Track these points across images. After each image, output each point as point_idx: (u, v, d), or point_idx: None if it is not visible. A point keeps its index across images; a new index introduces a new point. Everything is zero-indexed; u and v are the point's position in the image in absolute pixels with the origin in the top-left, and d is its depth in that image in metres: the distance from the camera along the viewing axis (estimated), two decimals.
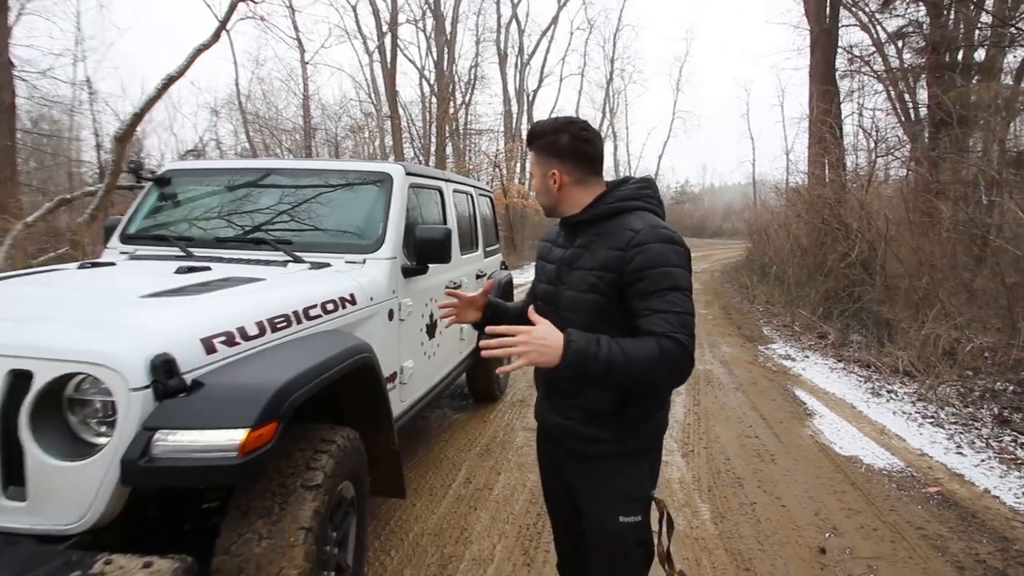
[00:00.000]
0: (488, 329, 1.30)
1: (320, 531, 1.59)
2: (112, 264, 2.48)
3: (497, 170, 19.01)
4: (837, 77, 11.72)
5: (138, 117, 6.83)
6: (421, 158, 19.97)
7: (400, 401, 2.75)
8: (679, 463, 3.53)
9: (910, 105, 11.22)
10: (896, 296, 6.55)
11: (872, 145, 11.02)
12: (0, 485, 1.44)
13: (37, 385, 1.42)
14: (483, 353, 1.32)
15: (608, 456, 1.44)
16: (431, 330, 3.15)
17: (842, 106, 11.86)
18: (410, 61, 22.45)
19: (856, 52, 12.34)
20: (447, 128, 19.11)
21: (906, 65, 11.43)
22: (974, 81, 9.26)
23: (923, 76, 10.65)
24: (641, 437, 1.45)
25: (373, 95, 22.08)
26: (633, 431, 1.43)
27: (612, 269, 1.36)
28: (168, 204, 3.05)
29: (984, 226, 6.74)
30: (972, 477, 3.37)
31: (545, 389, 1.56)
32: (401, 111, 19.88)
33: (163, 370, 1.44)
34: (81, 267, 2.42)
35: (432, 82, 20.18)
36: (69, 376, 1.44)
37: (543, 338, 1.25)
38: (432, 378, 3.22)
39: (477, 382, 4.45)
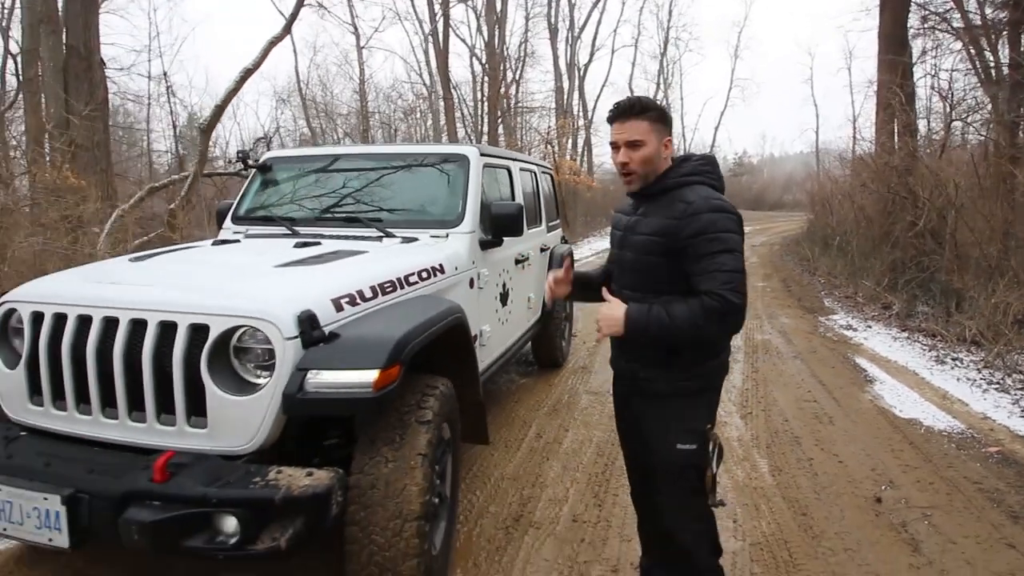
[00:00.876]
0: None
1: (433, 458, 1.91)
2: (238, 241, 2.88)
3: (549, 147, 19.05)
4: (909, 37, 11.14)
5: (220, 109, 7.38)
6: (473, 138, 20.26)
7: (480, 362, 3.06)
8: (738, 423, 3.71)
9: (992, 64, 10.56)
10: (966, 265, 6.38)
11: (947, 109, 10.49)
12: (185, 415, 1.82)
13: (212, 336, 1.78)
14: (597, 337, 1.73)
15: (665, 393, 1.69)
16: (504, 298, 3.44)
17: (914, 68, 11.28)
18: (461, 40, 22.61)
19: (931, 8, 11.66)
20: (499, 107, 19.26)
21: (988, 20, 10.74)
22: None
23: (1005, 32, 10.00)
24: (694, 378, 1.68)
25: (426, 76, 22.43)
26: (685, 373, 1.66)
27: (667, 235, 1.59)
28: (270, 188, 3.44)
29: None
30: None
31: (616, 341, 1.80)
32: (453, 91, 20.16)
33: (308, 323, 1.78)
34: (215, 244, 2.82)
35: (483, 61, 20.29)
36: (235, 329, 1.80)
37: (609, 316, 1.60)
38: (505, 342, 3.52)
39: (541, 349, 4.73)
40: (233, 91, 7.44)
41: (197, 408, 1.80)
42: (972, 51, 10.69)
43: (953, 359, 4.95)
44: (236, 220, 3.28)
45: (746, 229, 1.68)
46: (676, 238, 1.57)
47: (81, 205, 6.54)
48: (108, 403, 1.85)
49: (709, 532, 1.79)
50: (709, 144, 34.99)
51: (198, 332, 1.79)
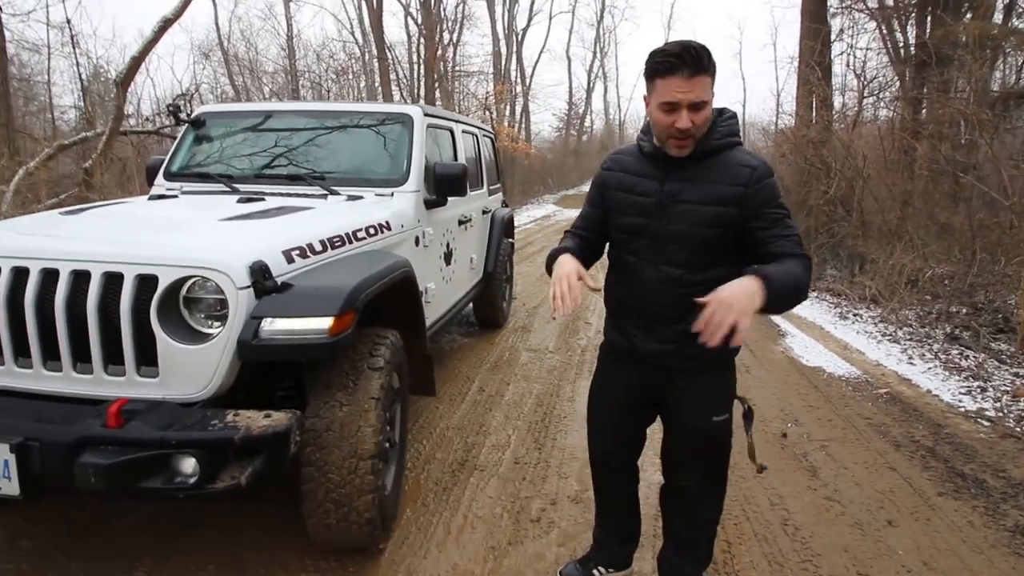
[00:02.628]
0: (696, 328, 1.28)
1: (385, 402, 2.02)
2: (175, 196, 2.80)
3: (487, 113, 18.89)
4: (829, 15, 11.76)
5: (137, 61, 6.89)
6: (409, 100, 19.76)
7: (426, 318, 3.16)
8: None
9: (901, 44, 11.35)
10: (870, 231, 7.00)
11: (861, 85, 11.23)
12: (135, 365, 1.83)
13: (162, 286, 1.78)
14: (712, 342, 1.26)
15: (705, 369, 1.58)
16: (448, 258, 3.53)
17: (833, 45, 11.95)
18: None
19: None
20: (435, 70, 18.83)
21: (899, 1, 11.49)
22: (965, 19, 9.41)
23: (913, 14, 10.75)
24: (730, 348, 1.42)
25: (358, 35, 21.53)
26: (724, 344, 1.43)
27: (733, 204, 1.45)
28: (204, 144, 3.34)
29: (957, 164, 7.12)
30: (918, 381, 3.90)
31: (643, 323, 1.61)
32: (388, 52, 19.50)
33: (261, 273, 1.81)
34: (150, 199, 2.74)
35: (419, 22, 19.69)
36: (184, 279, 1.81)
37: (738, 293, 1.27)
38: (449, 300, 3.63)
39: (483, 310, 4.87)
40: (151, 42, 6.96)
41: (147, 358, 1.81)
42: (884, 31, 11.44)
43: (854, 315, 5.49)
44: (169, 177, 3.17)
45: None
46: (746, 206, 1.44)
47: None
48: (51, 356, 1.83)
49: (723, 496, 1.79)
50: (643, 115, 35.61)
51: (146, 283, 1.79)
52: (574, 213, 14.42)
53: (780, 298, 1.34)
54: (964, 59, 7.24)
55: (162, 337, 1.77)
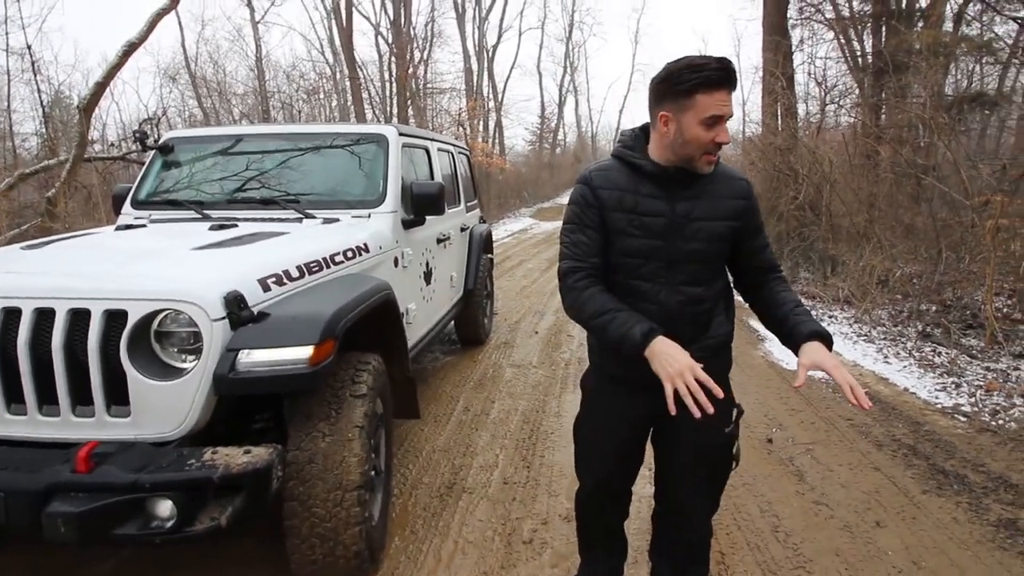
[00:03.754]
0: (852, 400, 1.35)
1: (369, 429, 1.97)
2: (144, 226, 2.73)
3: (461, 129, 18.96)
4: (789, 26, 12.12)
5: (102, 86, 6.73)
6: (381, 119, 19.72)
7: (407, 339, 3.11)
8: None
9: (858, 53, 11.75)
10: (839, 234, 7.16)
11: (822, 93, 11.57)
12: (104, 405, 1.75)
13: (131, 321, 1.72)
14: (865, 406, 1.35)
15: (719, 381, 1.42)
16: (428, 277, 3.50)
17: (794, 55, 12.31)
18: (365, 18, 21.89)
19: (808, 1, 12.74)
20: (407, 88, 18.86)
21: (855, 12, 11.91)
22: (917, 28, 9.79)
23: (869, 24, 11.15)
24: (728, 359, 1.62)
25: (329, 55, 21.49)
26: (726, 353, 1.57)
27: (738, 217, 1.48)
28: (172, 170, 3.27)
29: (918, 166, 7.35)
30: (895, 380, 3.97)
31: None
32: (359, 71, 19.48)
33: (236, 304, 1.76)
34: (118, 229, 2.66)
35: (390, 41, 19.75)
36: (155, 313, 1.75)
37: (838, 361, 1.40)
38: (430, 320, 3.59)
39: (464, 327, 4.83)
40: (115, 67, 6.81)
41: (117, 397, 1.74)
42: (842, 40, 11.83)
43: (829, 316, 5.59)
44: (136, 205, 3.09)
45: None
46: (745, 218, 1.49)
47: None
48: (15, 399, 1.74)
49: (719, 501, 1.75)
50: (615, 126, 36.24)
51: (114, 318, 1.73)
52: (551, 226, 14.37)
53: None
54: (919, 66, 7.51)
55: (133, 374, 1.71)
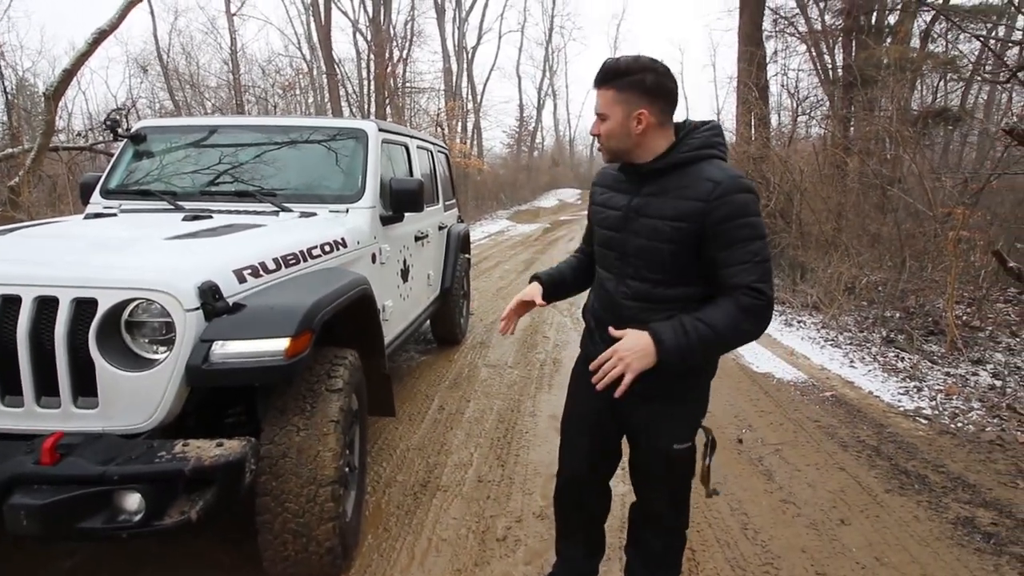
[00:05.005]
0: (591, 366, 1.41)
1: (344, 425, 1.95)
2: (114, 215, 2.65)
3: (440, 129, 18.90)
4: (764, 38, 12.42)
5: (70, 74, 6.54)
6: (359, 116, 19.53)
7: (384, 336, 3.09)
8: None
9: (829, 66, 12.10)
10: (809, 241, 7.34)
11: (794, 104, 11.88)
12: (71, 396, 1.70)
13: (101, 310, 1.68)
14: (599, 387, 1.37)
15: (672, 398, 1.51)
16: (405, 274, 3.48)
17: (768, 67, 12.62)
18: (343, 14, 21.62)
19: (782, 13, 13.08)
20: (386, 86, 18.73)
21: (827, 26, 12.26)
22: (886, 43, 10.12)
23: (840, 38, 11.49)
24: (700, 381, 1.56)
25: (306, 50, 21.22)
26: (694, 377, 1.53)
27: (692, 220, 1.36)
28: (144, 161, 3.19)
29: (884, 178, 7.59)
30: (860, 384, 4.09)
31: (600, 340, 1.56)
32: (337, 67, 19.27)
33: (210, 294, 1.73)
34: (87, 218, 2.59)
35: (369, 38, 19.59)
36: (126, 302, 1.71)
37: (633, 348, 1.34)
38: (407, 317, 3.57)
39: (440, 327, 4.81)
40: (85, 54, 6.64)
41: (85, 388, 1.70)
42: (814, 53, 12.17)
43: (798, 322, 5.73)
44: (106, 194, 3.01)
45: None
46: (702, 223, 1.35)
47: None
48: None
49: (688, 509, 1.74)
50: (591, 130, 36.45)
51: (83, 307, 1.68)
52: (527, 228, 14.44)
53: (684, 360, 1.35)
54: (887, 80, 7.76)
55: (101, 364, 1.67)
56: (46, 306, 1.66)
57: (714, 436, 1.63)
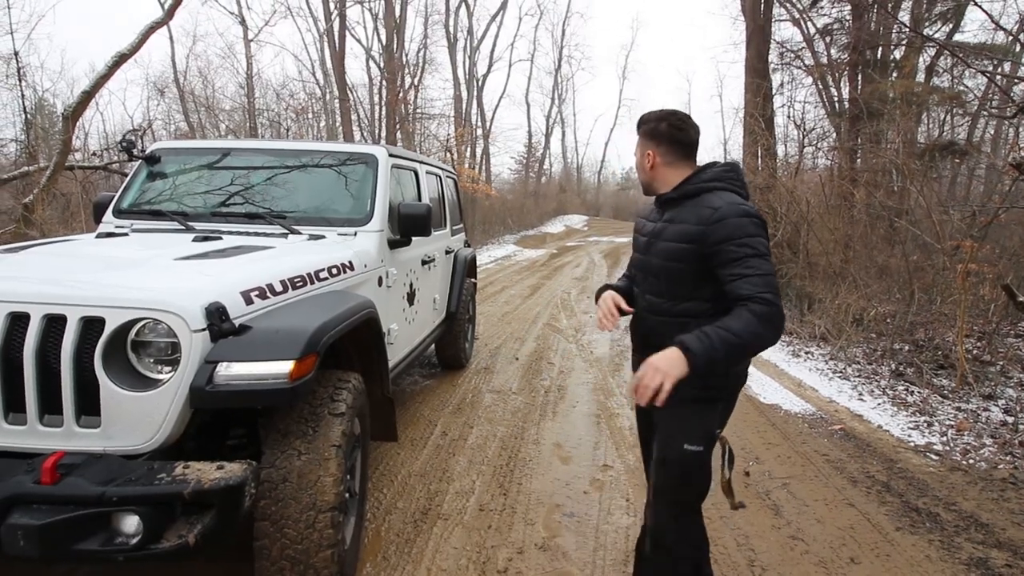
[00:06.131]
0: (627, 390, 1.66)
1: (346, 449, 1.93)
2: (126, 235, 2.69)
3: (449, 154, 19.14)
4: (770, 70, 12.59)
5: (88, 95, 6.70)
6: (370, 141, 19.83)
7: (388, 360, 3.08)
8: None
9: (835, 98, 12.22)
10: (816, 272, 7.32)
11: (801, 135, 11.98)
12: (74, 415, 1.70)
13: (109, 329, 1.68)
14: (642, 403, 1.49)
15: (688, 399, 1.60)
16: (411, 298, 3.49)
17: (775, 98, 12.77)
18: (357, 41, 22.13)
19: (788, 47, 13.28)
20: (397, 112, 19.05)
21: (833, 60, 12.43)
22: (892, 77, 10.24)
23: (846, 71, 11.63)
24: (718, 386, 1.67)
25: (320, 75, 21.67)
26: (704, 382, 1.60)
27: (694, 241, 1.59)
28: (158, 181, 3.24)
29: (891, 210, 7.60)
30: (869, 417, 4.02)
31: (640, 344, 1.82)
32: (349, 93, 19.65)
33: (217, 315, 1.74)
34: (98, 236, 2.62)
35: (382, 65, 19.99)
36: (134, 321, 1.71)
37: (665, 358, 1.47)
38: (412, 341, 3.56)
39: (445, 351, 4.80)
40: (104, 77, 6.81)
41: (88, 407, 1.70)
42: (820, 86, 12.31)
43: (806, 353, 5.68)
44: (119, 214, 3.05)
45: (630, 239, 1.86)
46: (703, 244, 1.56)
47: None
48: None
49: (695, 537, 1.77)
50: (600, 159, 36.90)
51: (91, 326, 1.69)
52: (534, 253, 14.50)
53: (712, 362, 1.47)
54: (893, 114, 7.82)
55: (106, 384, 1.67)
56: (54, 324, 1.67)
57: (731, 446, 1.72)
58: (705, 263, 1.58)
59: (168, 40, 19.47)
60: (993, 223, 5.46)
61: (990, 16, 6.12)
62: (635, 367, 1.78)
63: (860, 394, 4.49)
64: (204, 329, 1.71)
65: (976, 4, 4.93)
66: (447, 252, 4.49)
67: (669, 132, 1.70)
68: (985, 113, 9.09)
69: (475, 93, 26.17)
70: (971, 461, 3.36)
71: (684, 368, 1.45)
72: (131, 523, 1.51)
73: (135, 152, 3.15)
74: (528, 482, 3.01)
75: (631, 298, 1.89)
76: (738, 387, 1.76)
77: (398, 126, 19.19)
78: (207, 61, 28.72)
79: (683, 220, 1.64)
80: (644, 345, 1.78)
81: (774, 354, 5.69)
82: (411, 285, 3.47)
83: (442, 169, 4.74)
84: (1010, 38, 7.61)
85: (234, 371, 1.68)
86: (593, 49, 57.89)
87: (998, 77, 6.19)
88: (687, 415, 1.67)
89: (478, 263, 7.63)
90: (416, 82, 21.16)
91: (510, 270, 12.81)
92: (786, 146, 12.96)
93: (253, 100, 20.55)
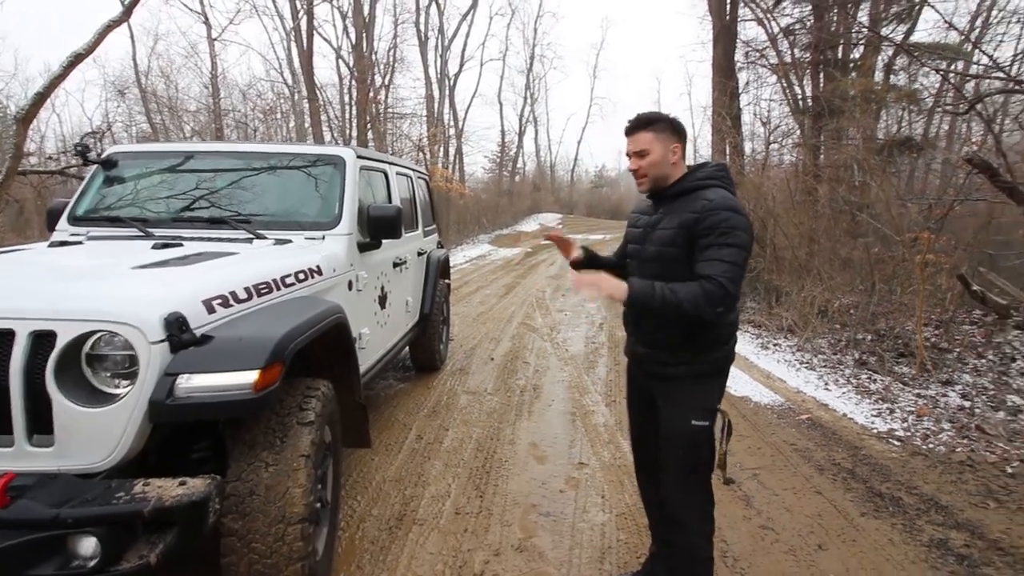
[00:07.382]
0: (579, 276, 1.80)
1: (316, 459, 1.90)
2: (80, 243, 2.59)
3: (422, 154, 19.00)
4: (736, 69, 12.81)
5: (42, 97, 6.44)
6: (340, 141, 19.53)
7: (359, 365, 3.04)
8: (603, 411, 4.04)
9: (799, 96, 12.49)
10: (783, 266, 7.48)
11: (766, 133, 12.21)
12: (25, 433, 1.63)
13: (60, 344, 1.62)
14: (576, 285, 1.76)
15: (683, 376, 1.82)
16: (383, 301, 3.45)
17: (741, 96, 12.99)
18: (326, 40, 21.78)
19: (753, 46, 13.52)
20: (368, 112, 18.82)
21: (796, 59, 12.70)
22: (852, 76, 10.50)
23: (808, 70, 11.90)
24: (708, 363, 1.83)
25: (287, 75, 21.28)
26: (700, 358, 1.81)
27: (688, 228, 1.74)
28: (115, 186, 3.13)
29: (853, 204, 7.80)
30: (834, 406, 4.13)
31: (633, 327, 1.98)
32: (318, 93, 19.34)
33: (176, 326, 1.69)
34: (51, 245, 2.52)
35: (351, 65, 19.73)
36: (88, 335, 1.65)
37: (605, 283, 1.73)
38: (384, 345, 3.52)
39: (419, 353, 4.76)
40: (59, 77, 6.56)
41: (40, 425, 1.63)
42: (784, 84, 12.57)
43: (774, 345, 5.80)
44: (74, 221, 2.94)
45: (604, 236, 1.95)
46: (694, 229, 1.72)
47: None
48: None
49: (705, 508, 1.89)
50: (573, 157, 37.08)
51: (41, 340, 1.63)
52: (509, 252, 14.45)
53: (644, 304, 1.72)
54: (853, 111, 8.03)
55: (60, 400, 1.61)
56: (2, 339, 1.59)
57: (730, 420, 1.86)
58: (692, 248, 1.74)
59: (129, 39, 18.92)
60: (948, 215, 5.64)
61: (943, 16, 6.34)
62: (629, 348, 2.03)
63: (826, 384, 4.61)
64: (163, 340, 1.66)
65: (929, 4, 5.08)
66: (419, 253, 4.45)
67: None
68: (939, 110, 9.39)
69: (447, 92, 26.00)
70: (931, 446, 3.47)
71: (622, 295, 1.71)
72: (88, 545, 1.46)
73: (91, 156, 3.04)
74: (504, 483, 3.01)
75: (605, 264, 2.11)
76: (729, 364, 1.91)
77: (369, 126, 18.95)
78: (169, 61, 27.83)
79: (679, 211, 1.78)
80: (637, 328, 1.96)
81: (743, 347, 5.79)
82: (382, 288, 3.43)
83: (413, 170, 4.70)
84: (962, 37, 7.88)
85: (195, 383, 1.63)
86: (564, 48, 58.22)
87: (951, 75, 6.40)
88: (690, 391, 1.83)
89: (453, 263, 7.59)
90: (387, 81, 20.94)
91: (485, 270, 12.78)
92: (752, 143, 13.20)
93: (219, 101, 20.06)
